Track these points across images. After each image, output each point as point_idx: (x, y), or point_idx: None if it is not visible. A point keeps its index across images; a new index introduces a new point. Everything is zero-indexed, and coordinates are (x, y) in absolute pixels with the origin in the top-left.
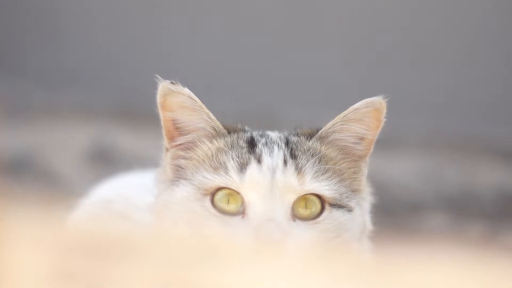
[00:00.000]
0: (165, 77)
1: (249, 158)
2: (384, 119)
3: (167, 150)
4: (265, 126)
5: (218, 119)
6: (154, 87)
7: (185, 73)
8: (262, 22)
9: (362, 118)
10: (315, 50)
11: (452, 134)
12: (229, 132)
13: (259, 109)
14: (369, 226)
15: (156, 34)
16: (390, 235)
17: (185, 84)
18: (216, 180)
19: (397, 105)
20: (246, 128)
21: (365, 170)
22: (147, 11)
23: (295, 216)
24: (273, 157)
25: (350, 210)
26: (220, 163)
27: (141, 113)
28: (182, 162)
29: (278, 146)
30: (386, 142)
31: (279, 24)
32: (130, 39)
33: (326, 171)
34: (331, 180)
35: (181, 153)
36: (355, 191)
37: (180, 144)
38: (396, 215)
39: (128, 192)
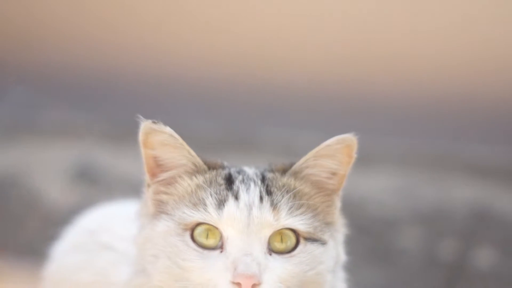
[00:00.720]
0: (146, 97)
1: (227, 195)
2: (355, 155)
3: (148, 185)
4: (246, 147)
5: (199, 148)
6: (135, 109)
7: (167, 93)
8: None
9: (334, 154)
10: (289, 69)
11: (426, 152)
12: (209, 168)
13: (241, 132)
14: (343, 257)
15: (140, 51)
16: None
17: (165, 107)
18: (195, 216)
19: (371, 123)
20: (225, 163)
21: (338, 203)
22: (134, 27)
23: (271, 250)
24: (249, 193)
25: (324, 243)
26: (199, 199)
27: (123, 133)
28: (164, 197)
29: (255, 182)
30: (361, 159)
31: (260, 47)
32: (114, 60)
33: (300, 206)
34: (306, 215)
35: (163, 188)
36: (328, 224)
37: (161, 180)
38: (371, 232)
39: (112, 223)
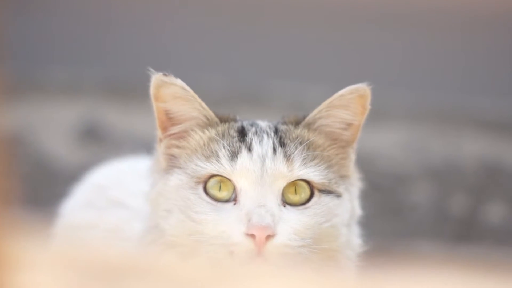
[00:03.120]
0: (153, 52)
1: (240, 147)
2: (369, 106)
3: (160, 140)
4: (254, 102)
5: (209, 104)
6: (143, 63)
7: (173, 51)
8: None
9: (348, 104)
10: (300, 23)
11: (435, 106)
12: (221, 121)
13: (247, 86)
14: (358, 211)
15: (144, 12)
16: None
17: (173, 62)
18: (208, 168)
19: (380, 77)
20: (237, 117)
21: (352, 156)
22: None
23: (285, 202)
24: (263, 145)
25: (339, 195)
26: (212, 152)
27: (130, 89)
28: (176, 151)
29: (268, 134)
30: (370, 114)
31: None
32: (118, 15)
33: (314, 158)
34: (320, 166)
35: (174, 142)
36: (343, 177)
37: (173, 134)
38: (381, 187)
39: (123, 178)
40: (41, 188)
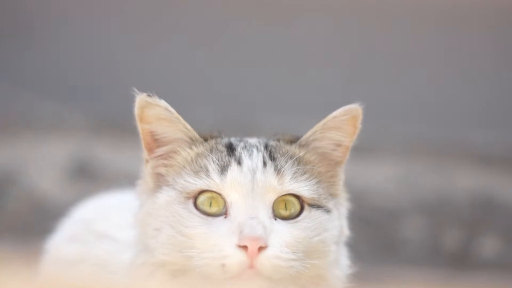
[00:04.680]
0: (145, 89)
1: (229, 161)
2: (360, 126)
3: (147, 161)
4: (247, 135)
5: (197, 129)
6: (132, 99)
7: (165, 83)
8: (244, 34)
9: (340, 126)
10: (294, 56)
11: (428, 140)
12: (205, 140)
13: (240, 118)
14: (346, 231)
15: (134, 46)
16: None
17: (165, 94)
18: (198, 183)
19: (375, 111)
20: (223, 135)
21: (342, 176)
22: (126, 24)
23: (275, 216)
24: (252, 159)
25: (328, 211)
26: (201, 167)
27: (120, 125)
28: (163, 170)
29: (257, 149)
30: (364, 148)
31: (261, 35)
32: (109, 51)
33: (304, 173)
34: (310, 181)
35: (161, 161)
36: (332, 195)
37: (159, 155)
38: (373, 222)
39: (108, 212)
40: (32, 225)
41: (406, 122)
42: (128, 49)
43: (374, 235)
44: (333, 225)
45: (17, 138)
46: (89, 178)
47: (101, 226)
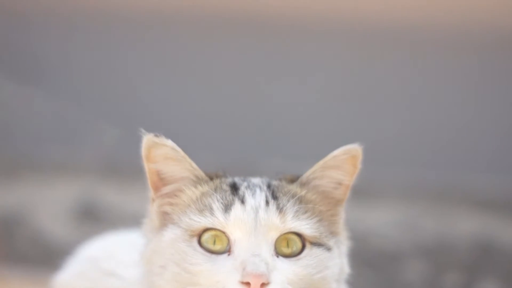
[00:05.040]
0: (148, 131)
1: (233, 199)
2: (360, 165)
3: (153, 200)
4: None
5: (200, 168)
6: (138, 141)
7: (168, 127)
8: (244, 76)
9: (340, 165)
10: (296, 101)
11: (429, 184)
12: (211, 179)
13: (241, 161)
14: (347, 269)
15: (138, 89)
16: None
17: (167, 137)
18: (202, 221)
19: (375, 155)
20: (227, 174)
21: (342, 214)
22: (130, 66)
23: (277, 253)
24: (255, 198)
25: (329, 249)
26: (205, 205)
27: (126, 168)
28: (168, 208)
29: (260, 188)
30: (365, 192)
31: (262, 78)
32: (113, 95)
33: (306, 211)
34: (311, 219)
35: (167, 200)
36: (333, 233)
37: (165, 194)
38: (375, 266)
39: (114, 250)
40: (38, 268)
41: (406, 166)
42: (132, 92)
43: (376, 278)
44: (334, 262)
45: (25, 180)
46: (95, 220)
47: (108, 264)
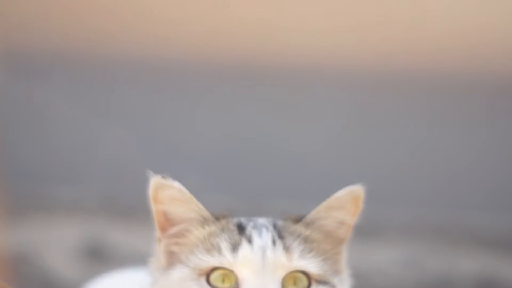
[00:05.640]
0: (154, 172)
1: (240, 239)
2: (362, 205)
3: (159, 240)
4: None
5: (206, 209)
6: (145, 182)
7: (173, 167)
8: (250, 118)
9: (343, 206)
10: (300, 143)
11: (432, 223)
12: (217, 219)
13: (247, 202)
14: None
15: (143, 129)
16: None
17: (173, 178)
18: (211, 260)
19: (378, 194)
20: (233, 215)
21: (345, 253)
22: (136, 106)
23: None
24: (262, 237)
25: (333, 286)
26: (213, 245)
27: (132, 208)
28: (176, 248)
29: (267, 228)
30: (368, 231)
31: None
32: (119, 136)
33: (311, 250)
34: (316, 258)
35: (174, 240)
36: (337, 271)
37: (172, 234)
38: None
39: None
40: None
41: (409, 205)
42: (138, 135)
43: None
44: None
45: (32, 220)
46: (101, 260)
47: None
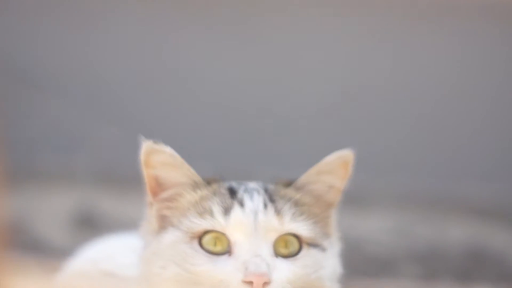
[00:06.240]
0: (147, 138)
1: (232, 203)
2: (352, 170)
3: (151, 204)
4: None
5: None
6: (136, 148)
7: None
8: (241, 89)
9: (333, 170)
10: (291, 108)
11: (422, 192)
12: (209, 183)
13: (235, 171)
14: (339, 269)
15: (136, 98)
16: None
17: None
18: (203, 223)
19: (368, 163)
20: (224, 178)
21: (334, 216)
22: (128, 77)
23: (276, 254)
24: (254, 201)
25: (324, 249)
26: (205, 209)
27: (124, 176)
28: (167, 212)
29: (258, 192)
30: (358, 200)
31: (259, 92)
32: (111, 104)
33: (302, 214)
34: (307, 221)
35: (166, 204)
36: (327, 235)
37: (164, 198)
38: (367, 272)
39: (113, 251)
40: (36, 277)
41: (399, 174)
42: (130, 102)
43: (369, 285)
44: (328, 263)
45: (22, 189)
46: (94, 229)
47: (106, 265)
